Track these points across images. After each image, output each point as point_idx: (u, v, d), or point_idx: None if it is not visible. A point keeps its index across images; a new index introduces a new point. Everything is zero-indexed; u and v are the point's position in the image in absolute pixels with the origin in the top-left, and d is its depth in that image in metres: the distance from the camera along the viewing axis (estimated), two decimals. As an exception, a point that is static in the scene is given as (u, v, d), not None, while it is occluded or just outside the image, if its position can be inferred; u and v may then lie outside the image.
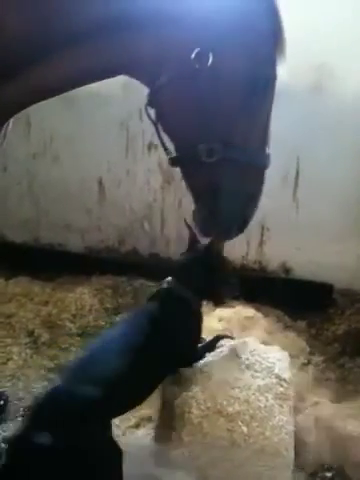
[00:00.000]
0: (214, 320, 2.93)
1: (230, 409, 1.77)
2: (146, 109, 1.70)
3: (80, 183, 3.35)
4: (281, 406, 1.81)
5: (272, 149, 3.05)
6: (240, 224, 1.84)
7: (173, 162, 1.73)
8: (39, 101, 1.69)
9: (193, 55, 1.51)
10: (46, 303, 3.07)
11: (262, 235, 3.26)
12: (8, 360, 2.61)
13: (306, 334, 2.98)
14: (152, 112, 1.71)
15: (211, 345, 2.11)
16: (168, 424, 1.90)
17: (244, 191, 1.73)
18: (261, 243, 3.28)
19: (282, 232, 3.21)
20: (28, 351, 2.69)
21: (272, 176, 3.10)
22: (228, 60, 1.54)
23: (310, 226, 3.14)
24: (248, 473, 1.74)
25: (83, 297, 3.07)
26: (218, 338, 2.16)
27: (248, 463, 1.73)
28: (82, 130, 3.20)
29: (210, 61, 1.51)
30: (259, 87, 1.60)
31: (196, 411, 1.78)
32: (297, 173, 3.11)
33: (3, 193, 3.49)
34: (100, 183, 3.28)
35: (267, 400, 1.81)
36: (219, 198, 1.69)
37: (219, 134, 1.60)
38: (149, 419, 2.18)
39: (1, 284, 3.22)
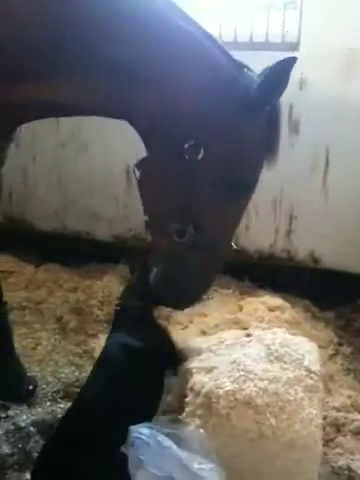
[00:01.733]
0: (237, 311, 2.92)
1: (259, 401, 1.75)
2: (134, 169, 1.75)
3: (108, 172, 3.36)
4: (311, 399, 1.79)
5: (301, 137, 3.04)
6: (189, 298, 1.90)
7: (145, 225, 1.81)
8: (43, 117, 1.77)
9: (186, 146, 1.55)
10: (74, 290, 3.11)
11: (290, 224, 3.22)
12: (37, 345, 2.66)
13: (334, 325, 2.95)
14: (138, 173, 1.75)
15: None
16: (194, 413, 1.91)
17: (201, 271, 1.79)
18: (289, 232, 3.24)
19: (311, 221, 3.16)
20: (57, 337, 2.73)
21: (301, 165, 3.10)
22: (216, 159, 1.59)
23: (339, 215, 3.08)
24: (276, 466, 1.73)
25: (110, 284, 3.10)
26: None
27: (276, 456, 1.73)
28: (111, 120, 3.19)
29: (201, 156, 1.55)
30: (237, 189, 1.66)
31: (223, 402, 1.78)
32: (326, 161, 3.05)
33: (32, 182, 3.52)
34: (127, 172, 3.27)
35: (296, 393, 1.79)
36: (177, 270, 1.76)
37: (191, 218, 1.67)
38: (175, 408, 2.19)
39: (30, 271, 3.27)
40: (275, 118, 1.66)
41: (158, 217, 1.74)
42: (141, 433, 1.62)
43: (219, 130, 1.57)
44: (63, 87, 1.57)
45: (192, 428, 1.79)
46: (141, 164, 1.71)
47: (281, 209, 3.21)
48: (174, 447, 1.61)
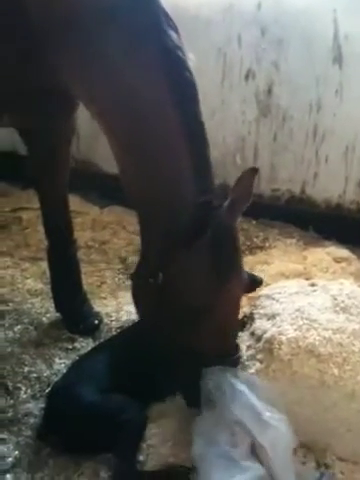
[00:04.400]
0: (300, 261, 2.86)
1: (322, 350, 1.74)
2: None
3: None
4: (376, 352, 1.76)
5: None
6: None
7: None
8: None
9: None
10: (137, 232, 3.13)
11: (363, 173, 3.06)
12: (102, 283, 2.74)
13: None
14: None
15: None
16: (254, 357, 1.92)
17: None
18: (361, 182, 3.09)
19: (385, 171, 3.00)
20: (120, 276, 2.80)
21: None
22: (172, 284, 1.57)
23: None
24: (336, 415, 1.73)
25: (173, 228, 3.11)
26: None
27: (337, 405, 1.72)
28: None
29: (160, 279, 1.56)
30: (194, 315, 1.57)
31: (286, 348, 1.77)
32: None
33: (97, 125, 3.52)
34: (194, 113, 3.20)
35: (362, 345, 1.76)
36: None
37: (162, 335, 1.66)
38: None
39: (96, 212, 3.34)
40: (218, 243, 1.54)
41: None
42: (215, 375, 1.64)
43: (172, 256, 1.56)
44: None
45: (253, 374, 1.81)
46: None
47: (353, 157, 3.04)
48: (247, 392, 1.63)
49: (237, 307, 1.70)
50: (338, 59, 2.89)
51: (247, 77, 3.07)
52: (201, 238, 1.50)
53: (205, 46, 3.03)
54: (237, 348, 1.77)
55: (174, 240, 1.53)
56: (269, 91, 3.06)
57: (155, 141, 1.54)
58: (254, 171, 1.57)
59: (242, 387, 1.63)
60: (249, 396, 1.62)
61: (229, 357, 1.70)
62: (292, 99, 3.01)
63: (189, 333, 1.60)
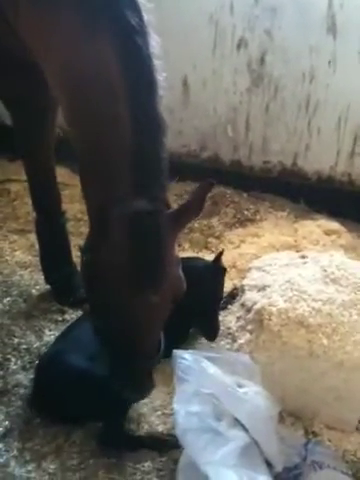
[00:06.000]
0: (291, 233, 2.86)
1: (311, 320, 1.75)
2: None
3: (164, 82, 3.23)
4: (365, 323, 1.77)
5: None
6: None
7: None
8: None
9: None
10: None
11: (354, 145, 3.03)
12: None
13: (392, 252, 2.85)
14: None
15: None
16: (244, 328, 1.94)
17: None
18: (352, 154, 3.05)
19: (377, 143, 2.98)
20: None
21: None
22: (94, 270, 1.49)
23: None
24: (324, 385, 1.75)
25: (163, 202, 3.07)
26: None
27: (325, 375, 1.74)
28: (167, 24, 2.99)
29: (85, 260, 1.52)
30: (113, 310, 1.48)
31: (276, 319, 1.78)
32: None
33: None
34: (185, 83, 3.14)
35: (351, 315, 1.77)
36: None
37: None
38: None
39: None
40: (140, 249, 1.40)
41: None
42: (185, 358, 1.60)
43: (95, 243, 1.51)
44: None
45: (234, 352, 1.82)
46: None
47: (346, 129, 3.01)
48: (218, 372, 1.60)
49: (156, 318, 1.53)
50: (332, 29, 2.83)
51: (239, 46, 3.00)
52: (124, 238, 1.37)
53: (196, 13, 2.95)
54: (151, 355, 1.58)
55: (102, 230, 1.43)
56: (262, 60, 3.00)
57: (99, 132, 1.44)
58: (210, 186, 1.44)
59: (212, 368, 1.59)
60: (220, 376, 1.59)
61: (141, 361, 1.56)
62: (285, 69, 2.96)
63: (106, 322, 1.51)
